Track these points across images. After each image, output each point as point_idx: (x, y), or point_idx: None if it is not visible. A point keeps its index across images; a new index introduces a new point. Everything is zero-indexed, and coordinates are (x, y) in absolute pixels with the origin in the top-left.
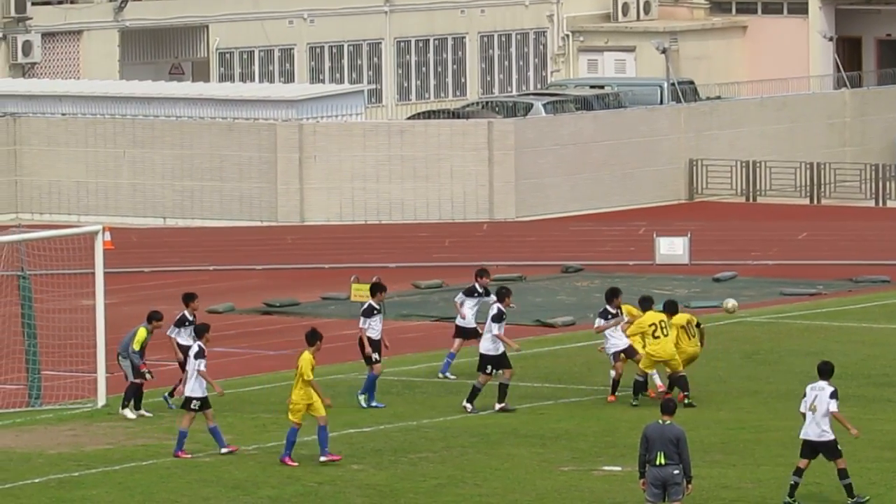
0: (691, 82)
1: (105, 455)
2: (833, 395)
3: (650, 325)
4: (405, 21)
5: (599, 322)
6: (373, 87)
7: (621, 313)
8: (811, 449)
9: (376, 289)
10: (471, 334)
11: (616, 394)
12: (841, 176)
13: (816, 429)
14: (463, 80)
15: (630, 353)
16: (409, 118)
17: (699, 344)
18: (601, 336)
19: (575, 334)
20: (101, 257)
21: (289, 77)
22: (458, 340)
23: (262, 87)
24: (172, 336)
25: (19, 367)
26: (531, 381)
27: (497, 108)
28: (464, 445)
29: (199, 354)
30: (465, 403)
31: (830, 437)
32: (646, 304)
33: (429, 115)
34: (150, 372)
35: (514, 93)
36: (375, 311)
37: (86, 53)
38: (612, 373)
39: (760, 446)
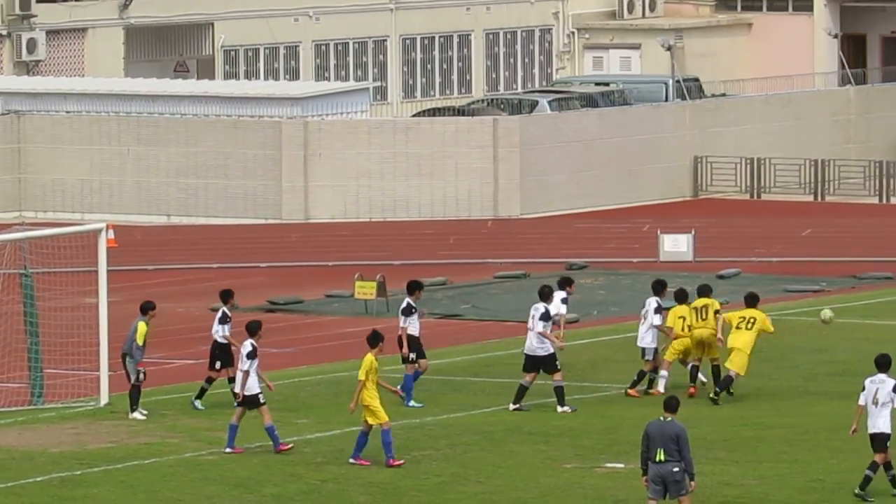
0: (696, 79)
1: (107, 453)
2: None
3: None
4: (410, 18)
5: (657, 318)
6: (378, 84)
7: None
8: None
9: (415, 287)
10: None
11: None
12: (845, 173)
13: (874, 420)
14: (468, 77)
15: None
16: (414, 115)
17: (714, 329)
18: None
19: (579, 332)
20: (105, 255)
21: (294, 74)
22: None
23: (267, 85)
24: (225, 335)
25: (22, 365)
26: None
27: (502, 106)
28: (467, 443)
29: (252, 354)
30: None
31: (886, 430)
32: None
33: (434, 112)
34: (144, 372)
35: (520, 90)
36: (414, 310)
37: (90, 51)
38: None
39: (763, 443)
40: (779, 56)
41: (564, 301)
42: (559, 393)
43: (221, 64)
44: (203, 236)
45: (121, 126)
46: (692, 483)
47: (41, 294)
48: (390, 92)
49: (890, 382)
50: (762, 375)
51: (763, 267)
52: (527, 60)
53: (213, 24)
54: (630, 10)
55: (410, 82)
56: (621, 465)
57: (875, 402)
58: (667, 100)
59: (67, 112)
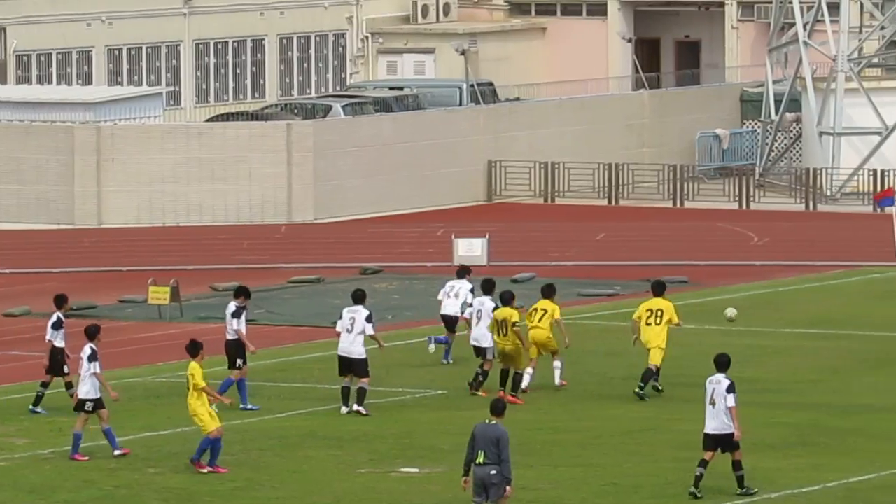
0: (491, 84)
1: None
2: (730, 390)
3: (647, 311)
4: (204, 23)
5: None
6: (171, 89)
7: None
8: (713, 441)
9: (241, 292)
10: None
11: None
12: (639, 177)
13: (714, 422)
14: (262, 82)
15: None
16: (207, 120)
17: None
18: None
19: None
20: None
21: (87, 79)
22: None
23: (59, 90)
24: (53, 340)
25: None
26: (329, 384)
27: (296, 111)
28: (261, 448)
29: (93, 357)
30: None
31: (730, 430)
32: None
33: (228, 117)
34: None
35: (314, 95)
36: (244, 311)
37: None
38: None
39: (557, 447)
40: (573, 60)
41: (472, 291)
42: (362, 394)
43: (14, 69)
44: None
45: None
46: (508, 488)
47: None
48: (184, 97)
49: (725, 383)
50: (552, 379)
51: (557, 271)
52: (321, 65)
53: (4, 29)
54: (424, 15)
55: (204, 87)
56: (416, 470)
57: (712, 403)
58: (461, 104)
59: None
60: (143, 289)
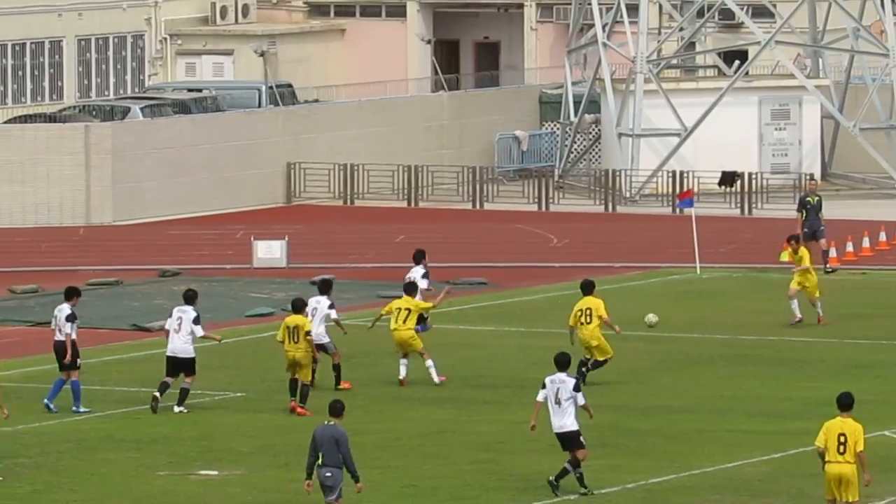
0: (290, 85)
1: None
2: (577, 388)
3: (578, 312)
4: (1, 24)
5: (333, 313)
6: None
7: None
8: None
9: (73, 293)
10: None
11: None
12: (439, 179)
13: (560, 420)
14: (60, 83)
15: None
16: (5, 122)
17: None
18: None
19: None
20: None
21: None
22: None
23: None
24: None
25: None
26: (127, 386)
27: (94, 112)
28: (59, 451)
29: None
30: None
31: (574, 427)
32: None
33: (25, 119)
34: None
35: (112, 97)
36: (76, 316)
37: None
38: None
39: (356, 449)
40: (373, 62)
41: (425, 276)
42: (184, 394)
43: None
44: None
45: None
46: (359, 485)
47: None
48: None
49: (570, 382)
50: (354, 381)
51: (356, 273)
52: (119, 67)
53: None
54: (223, 16)
55: (2, 89)
56: (215, 473)
57: (557, 402)
58: (260, 106)
59: None
60: None
